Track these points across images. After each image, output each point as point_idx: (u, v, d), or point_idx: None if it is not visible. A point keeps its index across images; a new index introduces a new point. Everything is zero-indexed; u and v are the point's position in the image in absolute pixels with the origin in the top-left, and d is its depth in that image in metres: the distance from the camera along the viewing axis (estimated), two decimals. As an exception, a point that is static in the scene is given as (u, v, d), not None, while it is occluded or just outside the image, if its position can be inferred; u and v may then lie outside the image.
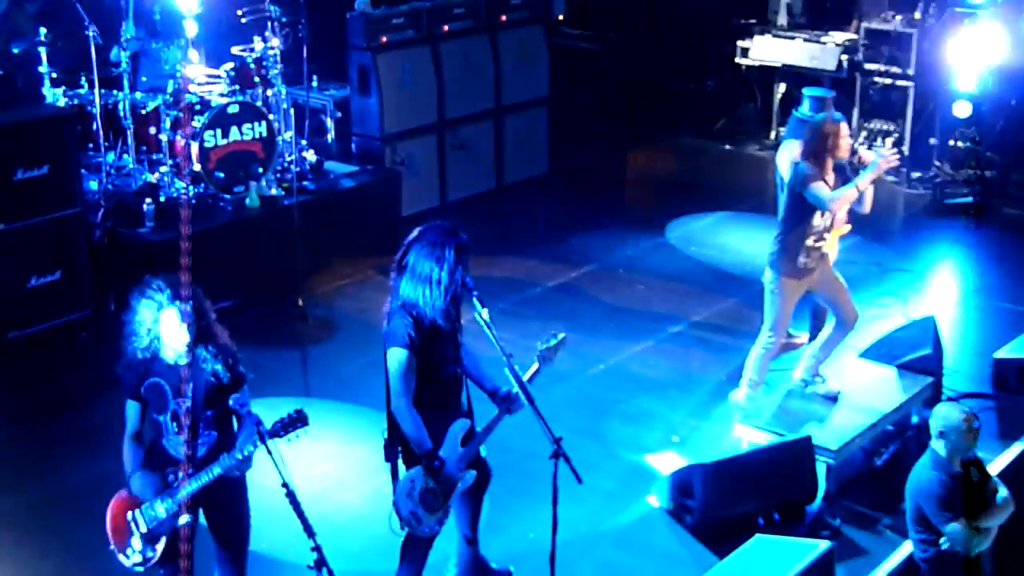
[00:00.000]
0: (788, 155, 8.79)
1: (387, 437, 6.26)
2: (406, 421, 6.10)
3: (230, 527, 5.92)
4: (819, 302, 8.84)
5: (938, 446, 6.72)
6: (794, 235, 8.03)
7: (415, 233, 6.22)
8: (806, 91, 9.53)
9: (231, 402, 5.80)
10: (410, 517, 6.18)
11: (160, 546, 5.71)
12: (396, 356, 6.08)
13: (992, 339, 9.71)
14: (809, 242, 8.01)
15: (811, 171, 7.91)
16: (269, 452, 5.44)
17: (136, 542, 5.71)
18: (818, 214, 7.96)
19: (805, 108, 9.27)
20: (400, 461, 6.26)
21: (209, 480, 5.60)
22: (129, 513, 5.72)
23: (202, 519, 5.83)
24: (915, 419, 8.41)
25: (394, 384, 6.11)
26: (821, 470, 7.70)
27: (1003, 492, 6.82)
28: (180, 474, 5.64)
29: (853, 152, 8.25)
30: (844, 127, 8.08)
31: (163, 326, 5.67)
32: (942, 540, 6.71)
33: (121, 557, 5.79)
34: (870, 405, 8.25)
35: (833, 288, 8.30)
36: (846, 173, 8.09)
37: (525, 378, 6.18)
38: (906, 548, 7.11)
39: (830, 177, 7.97)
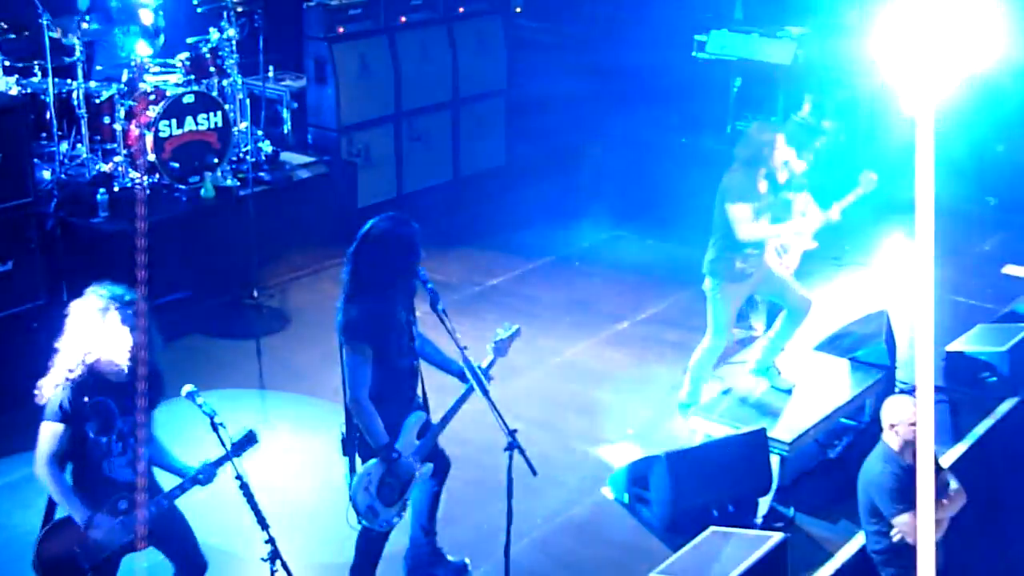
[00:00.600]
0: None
1: (345, 431, 6.24)
2: (363, 414, 6.08)
3: (184, 538, 5.82)
4: (770, 299, 8.89)
5: (890, 439, 6.77)
6: (729, 242, 8.07)
7: (368, 225, 6.20)
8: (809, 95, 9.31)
9: (151, 423, 5.67)
10: (367, 511, 6.16)
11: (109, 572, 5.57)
12: (356, 349, 6.06)
13: (944, 333, 9.78)
14: (748, 249, 8.06)
15: (738, 188, 7.98)
16: (223, 444, 5.41)
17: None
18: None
19: (806, 112, 9.07)
20: (357, 455, 6.24)
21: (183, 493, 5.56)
22: (73, 546, 5.46)
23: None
24: (868, 412, 8.46)
25: (351, 377, 6.08)
26: (775, 462, 7.74)
27: (954, 484, 6.88)
28: (130, 499, 5.47)
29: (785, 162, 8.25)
30: (782, 137, 8.11)
31: (105, 332, 5.41)
32: (894, 532, 6.76)
33: None
34: (823, 398, 8.30)
35: (776, 285, 8.36)
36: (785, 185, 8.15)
37: (482, 365, 6.24)
38: (859, 540, 7.16)
39: (762, 185, 8.03)
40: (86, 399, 5.42)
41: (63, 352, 5.46)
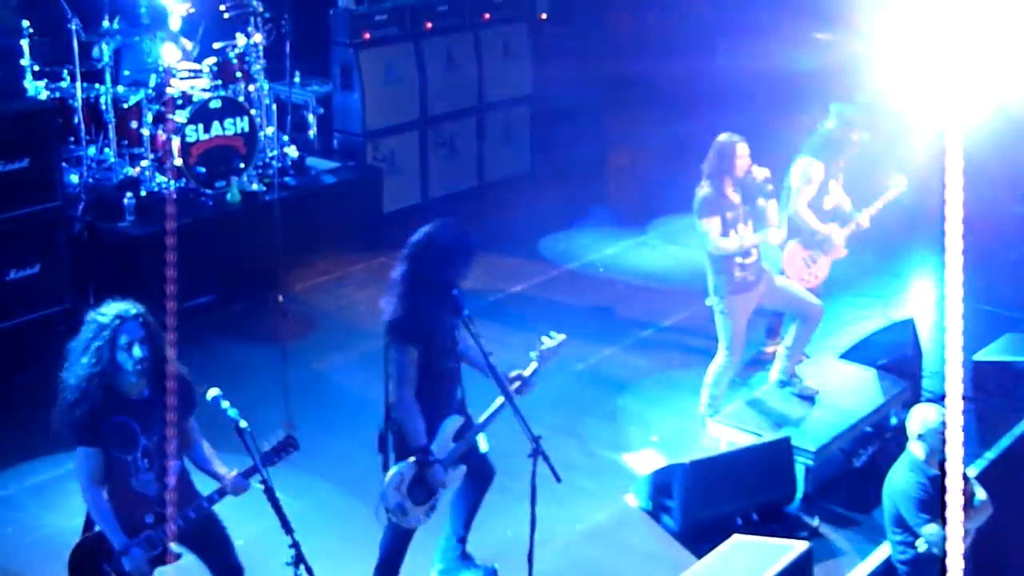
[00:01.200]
0: (800, 172, 8.82)
1: (382, 429, 6.24)
2: (406, 413, 6.11)
3: (220, 544, 5.82)
4: (778, 309, 8.86)
5: (916, 448, 6.73)
6: (718, 257, 8.06)
7: (428, 230, 6.26)
8: (834, 105, 9.27)
9: (189, 426, 5.68)
10: (397, 509, 6.19)
11: None
12: (400, 348, 6.07)
13: (972, 342, 9.69)
14: (738, 259, 8.04)
15: (704, 202, 8.03)
16: (247, 448, 5.41)
17: None
18: (732, 233, 8.03)
19: (831, 123, 9.05)
20: (391, 454, 6.25)
21: (212, 505, 5.57)
22: (104, 565, 5.48)
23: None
24: (894, 421, 8.42)
25: (397, 375, 6.11)
26: (800, 471, 7.71)
27: (981, 495, 6.84)
28: (157, 512, 5.47)
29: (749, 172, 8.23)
30: (743, 147, 8.10)
31: (118, 346, 5.39)
32: (919, 542, 6.72)
33: None
34: (849, 406, 8.27)
35: (783, 294, 8.34)
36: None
37: (526, 373, 6.31)
38: (884, 550, 7.12)
39: (736, 197, 8.06)
40: (104, 420, 5.42)
41: (75, 375, 5.45)
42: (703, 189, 8.09)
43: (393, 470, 6.19)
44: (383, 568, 6.47)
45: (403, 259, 6.27)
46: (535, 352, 6.41)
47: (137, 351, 5.38)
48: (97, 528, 5.51)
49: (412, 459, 6.17)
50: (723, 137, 8.21)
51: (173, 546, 5.56)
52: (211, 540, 5.76)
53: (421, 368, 6.16)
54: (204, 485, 5.73)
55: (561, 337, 6.48)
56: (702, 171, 8.15)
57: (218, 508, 5.67)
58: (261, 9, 11.03)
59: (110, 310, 5.45)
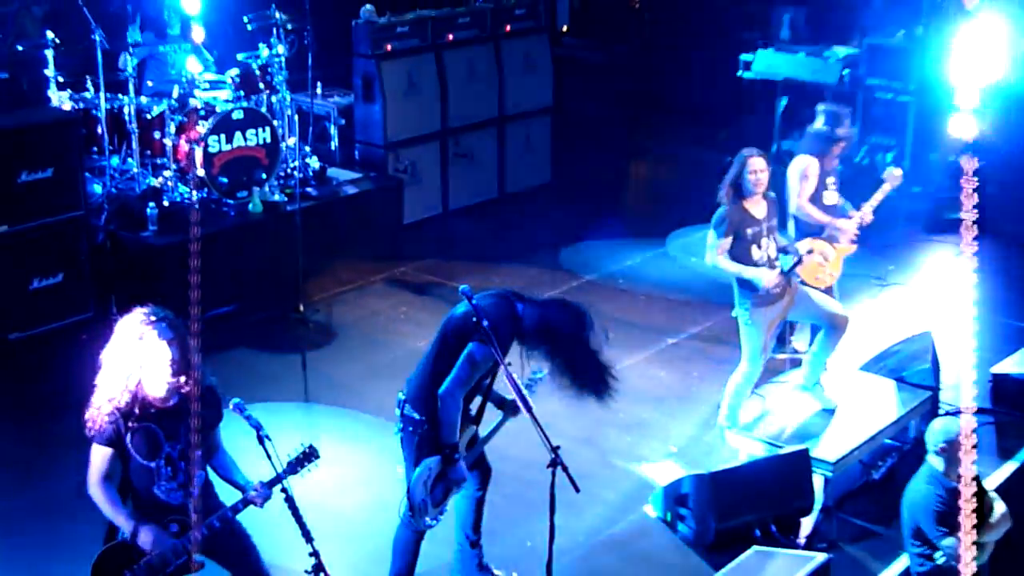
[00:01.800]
0: (797, 170, 8.87)
1: (417, 415, 6.29)
2: (452, 409, 6.20)
3: (244, 553, 5.84)
4: (805, 320, 8.85)
5: (935, 461, 6.72)
6: (744, 268, 8.06)
7: (557, 313, 6.40)
8: (821, 106, 9.43)
9: (215, 438, 5.74)
10: (421, 504, 6.25)
11: None
12: (475, 348, 6.16)
13: (990, 354, 9.71)
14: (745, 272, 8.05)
15: (717, 217, 8.04)
16: (269, 456, 5.45)
17: None
18: (754, 248, 8.01)
19: (820, 123, 9.21)
20: (415, 449, 6.30)
21: (236, 515, 5.61)
22: (125, 571, 5.50)
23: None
24: (913, 433, 8.41)
25: (459, 372, 6.18)
26: (818, 482, 7.70)
27: (1000, 507, 6.82)
28: (181, 521, 5.51)
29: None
30: (757, 161, 8.11)
31: (146, 352, 5.43)
32: (938, 555, 6.71)
33: None
34: (868, 418, 8.25)
35: (809, 306, 8.32)
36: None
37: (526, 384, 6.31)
38: (903, 562, 7.11)
39: (760, 208, 8.05)
40: (130, 425, 5.46)
41: (105, 379, 5.51)
42: (721, 204, 8.10)
43: (422, 465, 6.25)
44: (397, 569, 6.52)
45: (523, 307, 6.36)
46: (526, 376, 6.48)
47: (168, 351, 5.42)
48: (119, 536, 5.55)
49: (440, 456, 6.23)
50: (743, 152, 8.22)
51: (197, 557, 5.60)
52: (236, 550, 5.78)
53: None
54: (226, 495, 5.77)
55: (543, 374, 6.53)
56: (723, 185, 8.17)
57: (242, 517, 5.70)
58: (284, 20, 11.08)
59: (139, 314, 5.51)
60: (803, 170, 8.97)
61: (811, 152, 9.04)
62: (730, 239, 7.97)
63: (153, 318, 5.50)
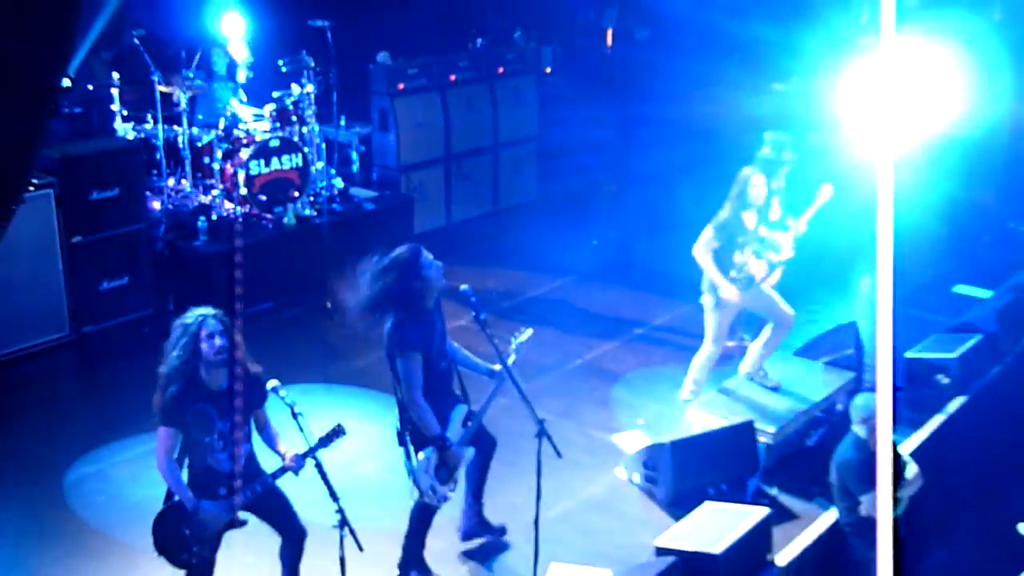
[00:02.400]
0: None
1: (400, 427, 6.25)
2: (419, 410, 6.10)
3: (282, 509, 5.84)
4: (758, 313, 8.85)
5: (859, 430, 6.74)
6: (720, 265, 8.05)
7: (393, 256, 6.26)
8: (767, 133, 9.38)
9: (263, 415, 5.74)
10: (429, 490, 6.19)
11: (213, 546, 5.63)
12: (409, 357, 6.07)
13: (904, 341, 9.71)
14: (732, 273, 8.04)
15: (718, 218, 8.01)
16: (301, 430, 5.45)
17: (190, 549, 5.58)
18: (738, 253, 7.99)
19: (766, 149, 9.12)
20: (410, 444, 6.25)
21: (275, 480, 5.62)
22: (183, 528, 5.55)
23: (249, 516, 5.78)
24: (839, 407, 8.41)
25: (407, 380, 6.09)
26: (761, 449, 7.71)
27: (913, 468, 6.85)
28: (229, 485, 5.54)
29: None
30: (756, 176, 8.08)
31: (199, 344, 5.45)
32: (861, 508, 6.73)
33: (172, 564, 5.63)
34: (802, 395, 8.27)
35: (764, 301, 8.31)
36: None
37: (509, 362, 6.26)
38: (832, 514, 7.12)
39: (752, 219, 8.02)
40: (188, 406, 5.46)
41: (166, 369, 5.51)
42: (724, 211, 8.05)
43: (422, 456, 6.19)
44: (413, 535, 6.49)
45: (380, 280, 6.18)
46: (512, 346, 6.42)
47: (217, 340, 5.45)
48: (176, 499, 5.55)
49: (432, 447, 6.18)
50: (744, 170, 8.19)
51: (241, 514, 5.63)
52: (276, 508, 5.80)
53: (425, 371, 6.15)
54: (269, 463, 5.78)
55: (529, 331, 6.48)
56: (728, 195, 8.13)
57: (280, 482, 5.71)
58: (313, 64, 11.07)
59: (193, 312, 5.54)
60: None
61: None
62: (721, 242, 7.96)
63: (204, 315, 5.51)
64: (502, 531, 6.88)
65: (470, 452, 6.42)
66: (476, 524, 6.83)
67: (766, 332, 8.45)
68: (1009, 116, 12.45)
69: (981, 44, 12.25)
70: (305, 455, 5.54)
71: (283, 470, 5.60)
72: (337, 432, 5.62)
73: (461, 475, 6.43)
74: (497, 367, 6.34)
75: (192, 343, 5.45)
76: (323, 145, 11.46)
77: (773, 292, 8.46)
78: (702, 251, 7.98)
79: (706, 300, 8.21)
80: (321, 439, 5.55)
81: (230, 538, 5.73)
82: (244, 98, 11.27)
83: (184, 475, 5.59)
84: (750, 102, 14.27)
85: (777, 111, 13.95)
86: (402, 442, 6.26)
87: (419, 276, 6.11)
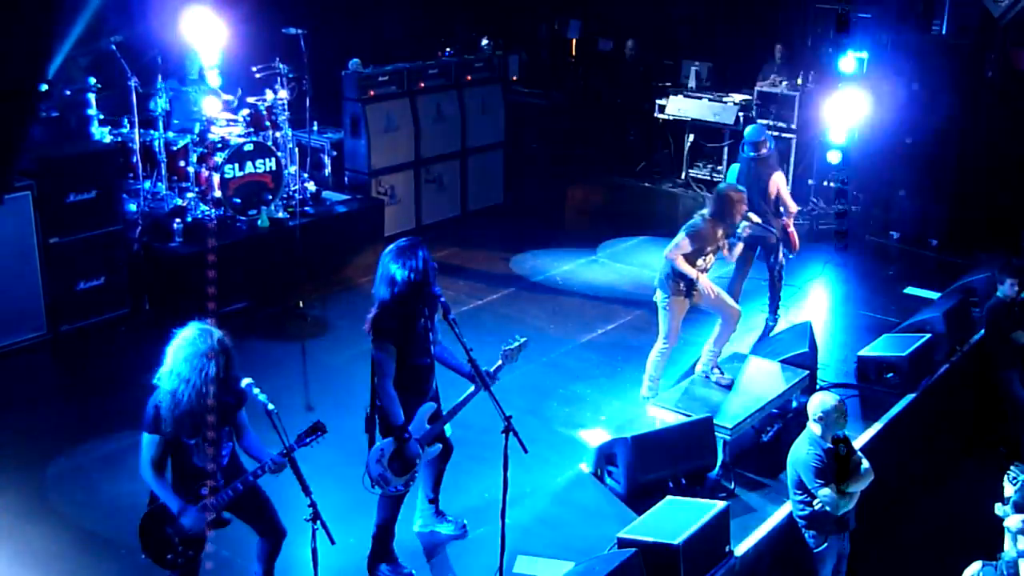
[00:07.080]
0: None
1: (368, 412, 6.22)
2: (386, 398, 6.07)
3: (262, 510, 5.80)
4: (708, 310, 8.89)
5: (814, 427, 6.77)
6: (691, 270, 8.10)
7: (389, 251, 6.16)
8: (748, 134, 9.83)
9: (240, 418, 5.66)
10: (379, 478, 6.16)
11: (198, 546, 5.56)
12: (381, 346, 6.05)
13: (856, 341, 9.80)
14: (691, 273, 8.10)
15: (694, 227, 8.12)
16: (275, 426, 5.39)
17: (176, 549, 5.52)
18: (701, 259, 8.10)
19: (766, 147, 9.62)
20: (377, 433, 6.22)
21: (255, 480, 5.57)
22: (167, 528, 5.50)
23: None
24: (795, 404, 8.46)
25: (379, 367, 6.07)
26: (719, 444, 7.73)
27: (865, 464, 6.89)
28: (211, 485, 5.48)
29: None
30: (744, 196, 8.34)
31: (209, 377, 5.35)
32: (816, 502, 6.76)
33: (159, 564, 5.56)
34: (758, 392, 8.29)
35: (714, 299, 8.36)
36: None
37: (492, 370, 6.25)
38: (787, 508, 7.15)
39: (721, 237, 8.19)
40: (175, 413, 5.37)
41: (159, 377, 5.41)
42: (704, 222, 8.16)
43: (375, 446, 6.18)
44: (381, 528, 6.46)
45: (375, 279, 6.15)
46: (502, 351, 6.39)
47: (214, 370, 5.35)
48: (160, 501, 5.49)
49: (392, 437, 6.14)
50: (728, 190, 8.28)
51: (224, 513, 5.58)
52: (256, 507, 5.75)
53: (400, 363, 6.10)
54: (250, 465, 5.72)
55: (523, 340, 6.45)
56: (706, 206, 8.35)
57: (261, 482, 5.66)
58: (286, 70, 11.00)
59: (213, 341, 5.37)
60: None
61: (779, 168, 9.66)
62: (693, 248, 8.02)
63: (221, 351, 5.40)
64: (461, 526, 6.86)
65: (434, 449, 6.38)
66: (433, 518, 6.87)
67: (716, 329, 8.49)
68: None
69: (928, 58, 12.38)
70: (282, 454, 5.46)
71: (262, 470, 5.54)
72: (316, 429, 5.54)
73: (420, 472, 6.40)
74: (495, 368, 6.27)
75: (204, 376, 5.33)
76: (296, 150, 11.38)
77: (721, 290, 8.52)
78: (678, 256, 8.05)
79: (659, 297, 8.26)
80: (298, 437, 5.49)
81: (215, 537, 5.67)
82: (228, 103, 11.13)
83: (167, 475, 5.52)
84: (706, 111, 14.28)
85: (734, 121, 14.00)
86: (368, 428, 6.22)
87: (412, 267, 6.03)
